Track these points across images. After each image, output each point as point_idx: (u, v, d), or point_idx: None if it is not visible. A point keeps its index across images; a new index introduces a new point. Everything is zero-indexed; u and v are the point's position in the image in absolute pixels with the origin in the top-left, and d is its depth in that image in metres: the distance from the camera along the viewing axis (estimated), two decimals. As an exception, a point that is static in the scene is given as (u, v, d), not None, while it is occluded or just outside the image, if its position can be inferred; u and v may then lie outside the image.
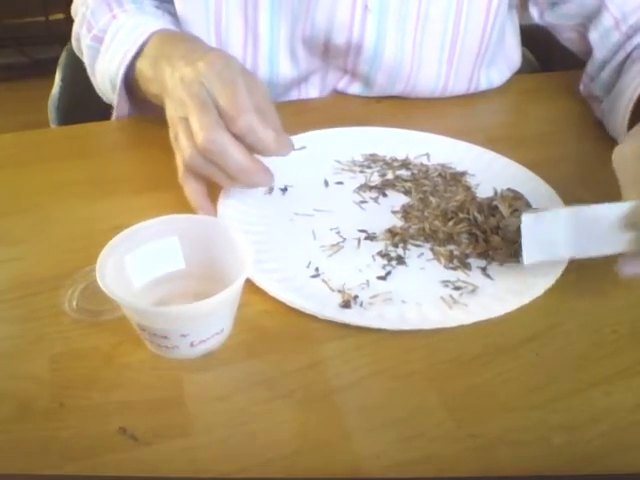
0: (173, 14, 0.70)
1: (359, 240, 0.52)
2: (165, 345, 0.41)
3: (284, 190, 0.57)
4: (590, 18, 0.72)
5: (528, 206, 0.54)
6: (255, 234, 0.51)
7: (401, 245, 0.52)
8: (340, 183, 0.59)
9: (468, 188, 0.59)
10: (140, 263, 0.43)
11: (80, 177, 0.59)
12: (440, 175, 0.60)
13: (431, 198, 0.57)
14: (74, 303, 0.45)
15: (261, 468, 0.36)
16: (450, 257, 0.51)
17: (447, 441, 0.38)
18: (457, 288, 0.48)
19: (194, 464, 0.36)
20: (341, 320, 0.44)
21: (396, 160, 0.62)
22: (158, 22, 0.63)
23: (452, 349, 0.44)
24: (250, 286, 0.45)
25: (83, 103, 0.74)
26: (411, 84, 0.74)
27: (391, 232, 0.53)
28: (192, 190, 0.52)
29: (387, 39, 0.69)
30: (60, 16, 2.27)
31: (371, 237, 0.53)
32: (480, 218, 0.53)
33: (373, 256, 0.51)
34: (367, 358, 0.43)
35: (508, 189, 0.55)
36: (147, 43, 0.60)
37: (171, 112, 0.53)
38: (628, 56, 0.69)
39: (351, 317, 0.44)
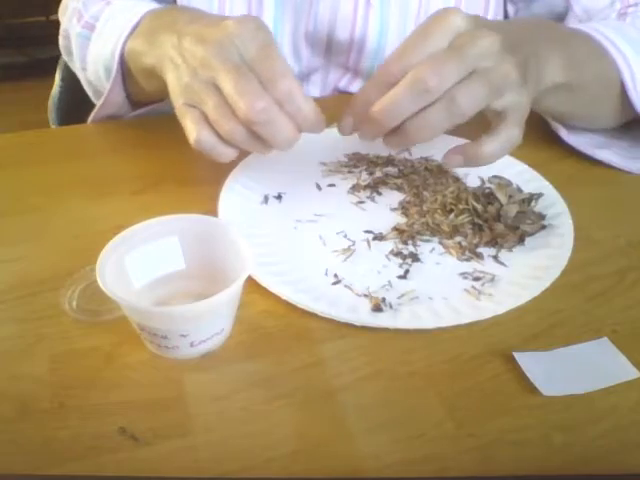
0: None
1: (368, 241, 0.52)
2: (165, 345, 0.41)
3: (279, 198, 0.57)
4: (559, 18, 0.72)
5: (519, 191, 0.55)
6: (262, 245, 0.50)
7: (410, 242, 0.52)
8: (332, 185, 0.59)
9: (457, 179, 0.60)
10: (140, 263, 0.43)
11: (80, 177, 0.59)
12: (426, 169, 0.61)
13: (424, 192, 0.57)
14: (74, 303, 0.45)
15: (261, 468, 0.36)
16: (461, 249, 0.51)
17: (447, 441, 0.38)
18: (477, 279, 0.49)
19: (194, 464, 0.36)
20: (378, 325, 0.44)
21: (380, 157, 0.62)
22: (153, 5, 0.60)
23: (452, 349, 0.44)
24: (250, 286, 0.45)
25: (83, 103, 0.73)
26: None
27: (397, 230, 0.53)
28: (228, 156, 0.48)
29: (389, 34, 0.70)
30: (60, 16, 2.27)
31: (379, 237, 0.53)
32: (479, 207, 0.53)
33: (387, 256, 0.51)
34: (367, 358, 0.43)
35: (494, 176, 0.56)
36: (141, 22, 0.57)
37: (182, 76, 0.46)
38: None
39: (386, 321, 0.44)
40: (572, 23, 0.69)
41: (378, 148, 0.63)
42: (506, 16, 0.78)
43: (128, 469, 0.36)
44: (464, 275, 0.49)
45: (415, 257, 0.51)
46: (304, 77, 0.74)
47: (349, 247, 0.52)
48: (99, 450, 0.37)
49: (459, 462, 0.37)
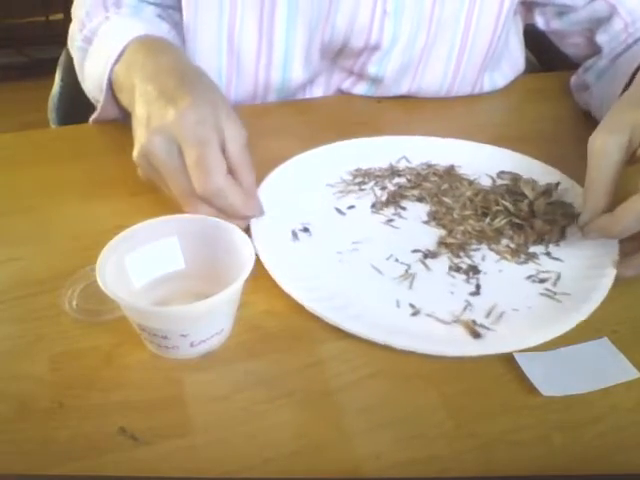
0: (177, 22, 0.69)
1: (423, 262, 0.50)
2: (165, 345, 0.41)
3: (307, 231, 0.53)
4: (599, 23, 0.73)
5: (534, 182, 0.57)
6: (319, 289, 0.47)
7: (462, 254, 0.51)
8: (352, 207, 0.56)
9: (471, 182, 0.59)
10: (140, 263, 0.43)
11: (80, 177, 0.59)
12: (435, 174, 0.60)
13: (444, 199, 0.57)
14: (74, 303, 0.45)
15: (261, 468, 0.36)
16: (514, 252, 0.51)
17: (447, 441, 0.38)
18: (543, 280, 0.49)
19: (194, 464, 0.36)
20: (484, 354, 0.42)
21: (382, 170, 0.61)
22: (146, 27, 0.60)
23: (452, 349, 0.43)
24: (250, 286, 0.45)
25: (83, 103, 0.73)
26: (415, 86, 0.74)
27: (444, 244, 0.52)
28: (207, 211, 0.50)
29: (400, 41, 0.70)
30: (60, 16, 2.27)
31: (431, 255, 0.51)
32: (511, 207, 0.53)
33: (450, 274, 0.49)
34: (367, 358, 0.43)
35: (502, 172, 0.57)
36: (127, 48, 0.58)
37: (137, 149, 0.50)
38: (628, 47, 0.70)
39: (493, 347, 0.43)
40: (618, 26, 0.71)
41: (376, 160, 0.62)
42: (533, 27, 0.78)
43: (128, 469, 0.36)
44: (530, 279, 0.49)
45: (476, 269, 0.50)
46: (309, 81, 0.74)
47: (406, 271, 0.49)
48: (99, 450, 0.37)
49: (459, 462, 0.37)
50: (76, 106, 0.82)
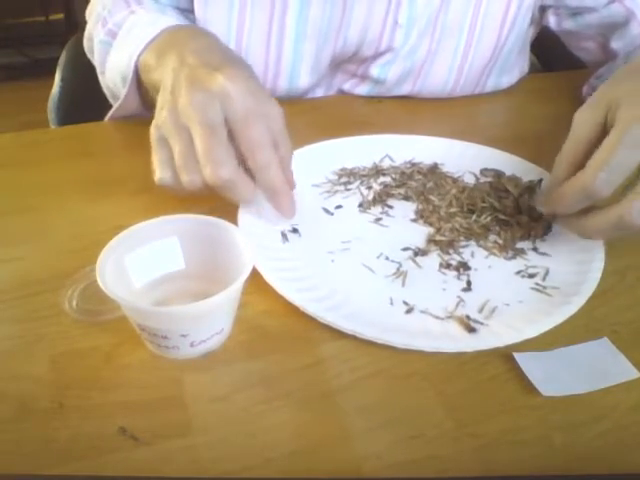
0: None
1: (414, 260, 0.51)
2: (165, 345, 0.41)
3: (296, 232, 0.53)
4: (614, 28, 0.72)
5: (517, 179, 0.58)
6: (313, 290, 0.47)
7: (451, 251, 0.51)
8: (339, 207, 0.57)
9: (455, 180, 0.60)
10: (140, 263, 0.43)
11: (80, 177, 0.59)
12: (419, 172, 0.60)
13: (431, 197, 0.57)
14: (74, 303, 0.45)
15: (261, 468, 0.36)
16: (502, 248, 0.52)
17: (447, 441, 0.38)
18: (532, 275, 0.49)
19: (194, 464, 0.36)
20: (480, 348, 0.42)
21: (366, 169, 0.61)
22: (174, 20, 0.60)
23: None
24: (250, 286, 0.45)
25: (83, 103, 0.74)
26: (418, 88, 0.74)
27: (434, 241, 0.52)
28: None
29: (404, 48, 0.70)
30: (60, 16, 2.27)
31: (421, 252, 0.51)
32: (497, 204, 0.54)
33: (440, 270, 0.50)
34: (367, 358, 0.43)
35: (485, 169, 0.57)
36: (157, 38, 0.58)
37: (164, 105, 0.48)
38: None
39: (489, 341, 0.43)
40: (635, 30, 0.71)
41: (359, 159, 0.62)
42: (546, 26, 0.78)
43: (128, 469, 0.36)
44: (520, 274, 0.50)
45: (466, 266, 0.50)
46: (315, 85, 0.74)
47: (398, 269, 0.50)
48: (99, 450, 0.37)
49: (459, 462, 0.37)
50: (76, 106, 0.82)
